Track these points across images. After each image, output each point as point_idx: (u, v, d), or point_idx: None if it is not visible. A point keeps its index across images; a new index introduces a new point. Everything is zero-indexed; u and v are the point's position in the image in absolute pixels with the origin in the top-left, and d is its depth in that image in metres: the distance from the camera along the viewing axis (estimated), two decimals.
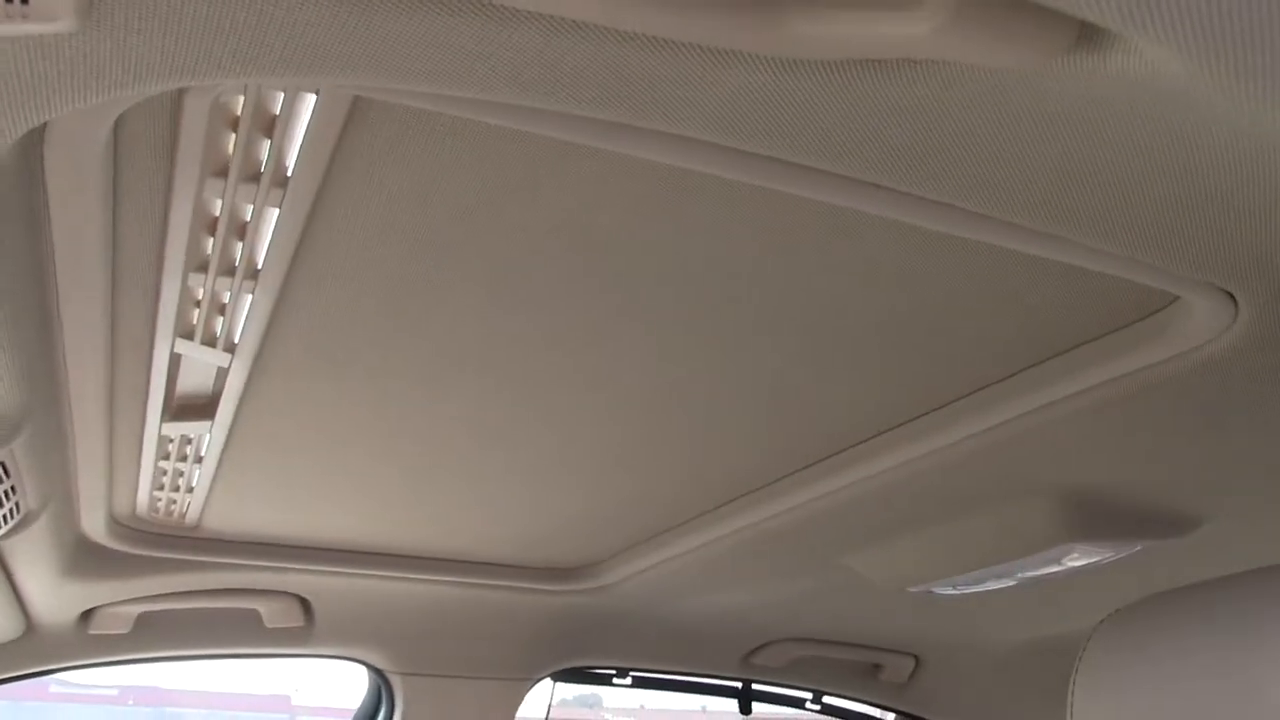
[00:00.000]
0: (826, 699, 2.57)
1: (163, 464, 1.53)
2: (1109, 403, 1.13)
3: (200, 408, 1.37)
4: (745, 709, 2.52)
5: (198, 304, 1.09)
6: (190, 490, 1.66)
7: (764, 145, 0.73)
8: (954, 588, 1.86)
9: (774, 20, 0.59)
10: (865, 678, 2.57)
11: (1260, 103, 0.62)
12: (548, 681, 2.38)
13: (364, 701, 2.32)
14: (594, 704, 3.25)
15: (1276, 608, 0.80)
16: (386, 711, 2.27)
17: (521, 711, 2.33)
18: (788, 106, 0.69)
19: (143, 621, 2.01)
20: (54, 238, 0.89)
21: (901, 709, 2.66)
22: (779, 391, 1.26)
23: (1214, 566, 1.70)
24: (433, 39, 0.62)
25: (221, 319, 1.12)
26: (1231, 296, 0.91)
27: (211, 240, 0.98)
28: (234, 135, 0.84)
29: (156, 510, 1.74)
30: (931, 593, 1.89)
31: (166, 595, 1.97)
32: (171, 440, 1.44)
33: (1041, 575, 1.68)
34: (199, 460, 1.54)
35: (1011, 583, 1.81)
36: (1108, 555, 1.58)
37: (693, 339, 1.13)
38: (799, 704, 2.57)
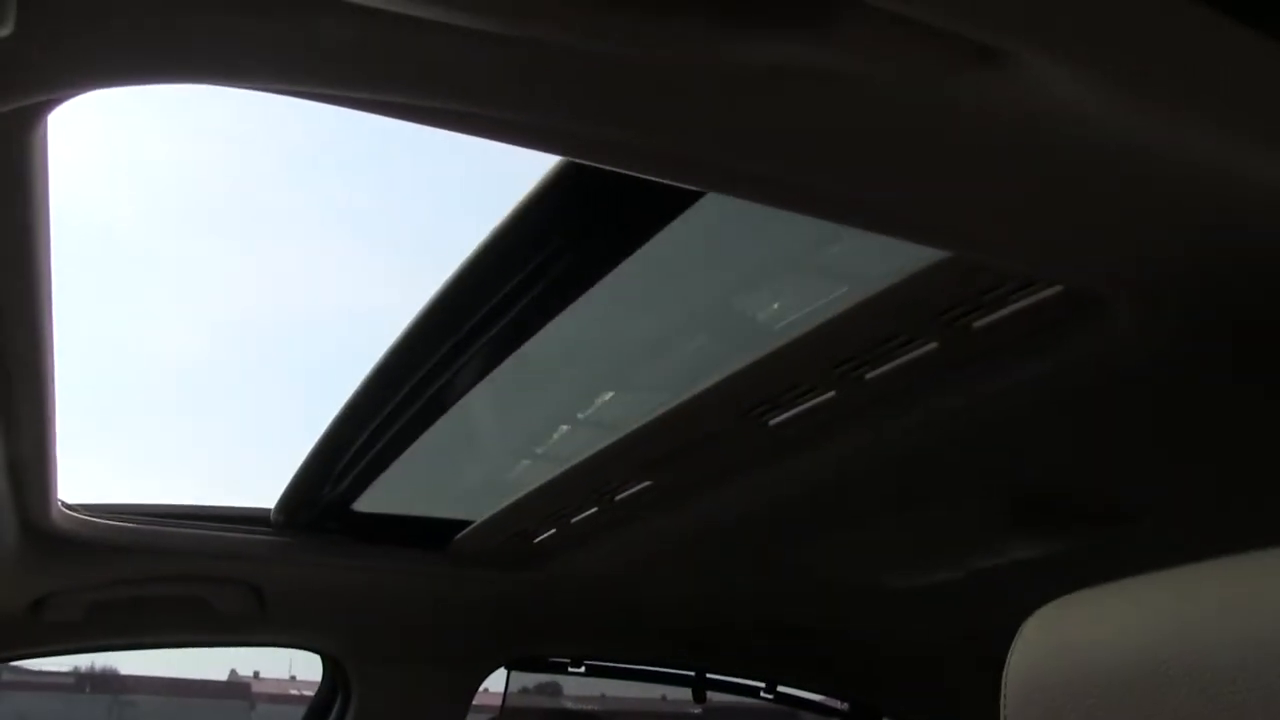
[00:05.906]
0: (780, 688, 2.58)
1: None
2: (1041, 399, 1.15)
3: None
4: (699, 698, 2.54)
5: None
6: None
7: (679, 144, 0.75)
8: (904, 580, 1.89)
9: (690, 31, 0.61)
10: (818, 668, 2.59)
11: (1151, 121, 0.66)
12: (503, 671, 2.38)
13: (320, 688, 2.32)
14: (555, 693, 3.26)
15: (1219, 595, 0.82)
16: (342, 699, 2.26)
17: (481, 699, 2.34)
18: (695, 110, 0.70)
19: (95, 609, 1.99)
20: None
21: (855, 699, 2.68)
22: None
23: (1161, 561, 1.73)
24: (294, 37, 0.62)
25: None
26: (1148, 297, 0.94)
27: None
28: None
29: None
30: (882, 584, 1.91)
31: (118, 582, 1.96)
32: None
33: (988, 567, 1.70)
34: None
35: (961, 575, 1.83)
36: (1052, 549, 1.60)
37: None
38: (754, 693, 2.58)
